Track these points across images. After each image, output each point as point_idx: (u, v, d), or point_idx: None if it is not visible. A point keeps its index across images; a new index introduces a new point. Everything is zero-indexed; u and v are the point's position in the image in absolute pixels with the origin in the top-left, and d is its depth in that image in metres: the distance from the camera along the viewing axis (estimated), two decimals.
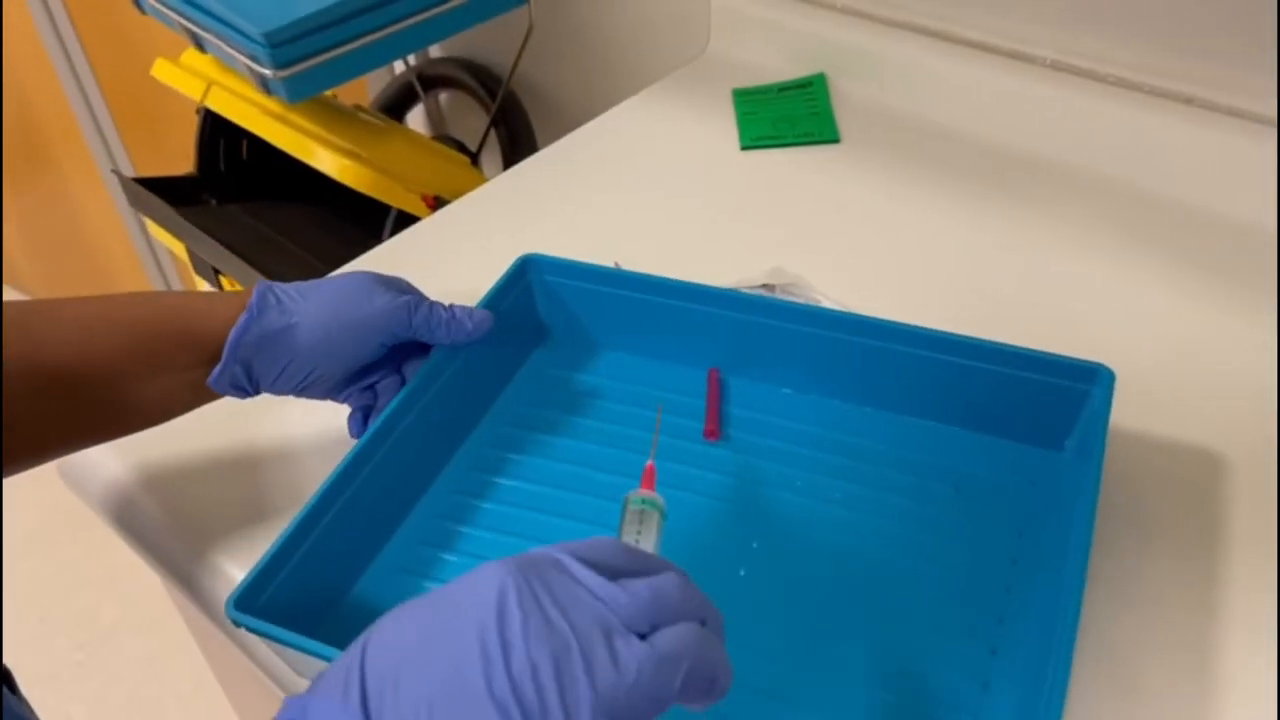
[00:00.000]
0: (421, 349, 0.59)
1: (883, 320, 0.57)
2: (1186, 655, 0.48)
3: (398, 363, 0.59)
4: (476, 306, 0.59)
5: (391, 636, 0.31)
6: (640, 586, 0.32)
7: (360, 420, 0.57)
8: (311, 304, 0.53)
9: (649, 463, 0.46)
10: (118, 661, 1.63)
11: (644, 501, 0.43)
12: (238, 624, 0.45)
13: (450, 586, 0.32)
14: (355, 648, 0.31)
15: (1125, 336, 0.66)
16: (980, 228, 0.76)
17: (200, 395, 0.53)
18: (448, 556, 0.54)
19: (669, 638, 0.31)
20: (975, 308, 0.69)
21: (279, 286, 0.54)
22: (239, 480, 0.59)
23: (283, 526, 0.49)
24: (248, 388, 0.54)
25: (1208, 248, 0.72)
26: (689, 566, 0.41)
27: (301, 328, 0.53)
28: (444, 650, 0.30)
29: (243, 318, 0.52)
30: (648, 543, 0.42)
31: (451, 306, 0.57)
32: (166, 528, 0.58)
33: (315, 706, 0.30)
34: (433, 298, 0.57)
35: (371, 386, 0.58)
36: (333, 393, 0.57)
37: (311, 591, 0.50)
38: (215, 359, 0.52)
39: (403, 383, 0.58)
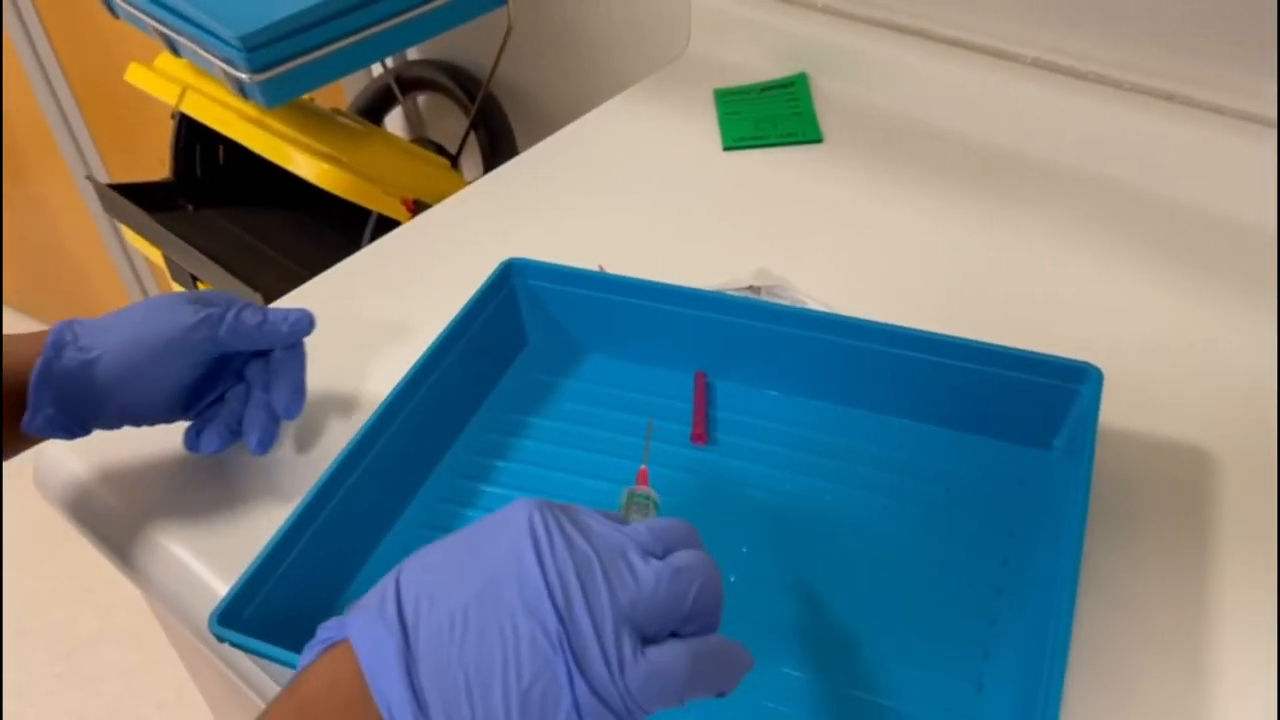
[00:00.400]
0: (260, 352, 0.58)
1: (869, 321, 0.57)
2: (1179, 654, 0.48)
3: (238, 369, 0.57)
4: (453, 320, 0.59)
5: (425, 561, 0.34)
6: (652, 522, 0.36)
7: (196, 435, 0.56)
8: (112, 335, 0.52)
9: (641, 467, 0.48)
10: (98, 674, 1.61)
11: (644, 496, 0.50)
12: (221, 639, 0.45)
13: (477, 523, 0.35)
14: (389, 576, 0.34)
15: (1112, 334, 0.66)
16: (965, 227, 0.76)
17: (24, 440, 0.52)
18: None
19: (681, 556, 0.35)
20: (961, 307, 0.68)
21: (79, 322, 0.53)
22: (217, 487, 0.58)
23: (263, 534, 0.48)
24: (73, 428, 0.52)
25: (1192, 244, 0.73)
26: None
27: (104, 361, 0.51)
28: (477, 567, 0.33)
29: (39, 361, 0.50)
30: None
31: (265, 310, 0.55)
32: (143, 538, 0.57)
33: (353, 621, 0.33)
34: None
35: (220, 398, 0.57)
36: (173, 415, 0.56)
37: (297, 603, 0.49)
38: (24, 404, 0.51)
39: (249, 388, 0.57)
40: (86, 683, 1.59)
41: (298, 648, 0.48)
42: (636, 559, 0.34)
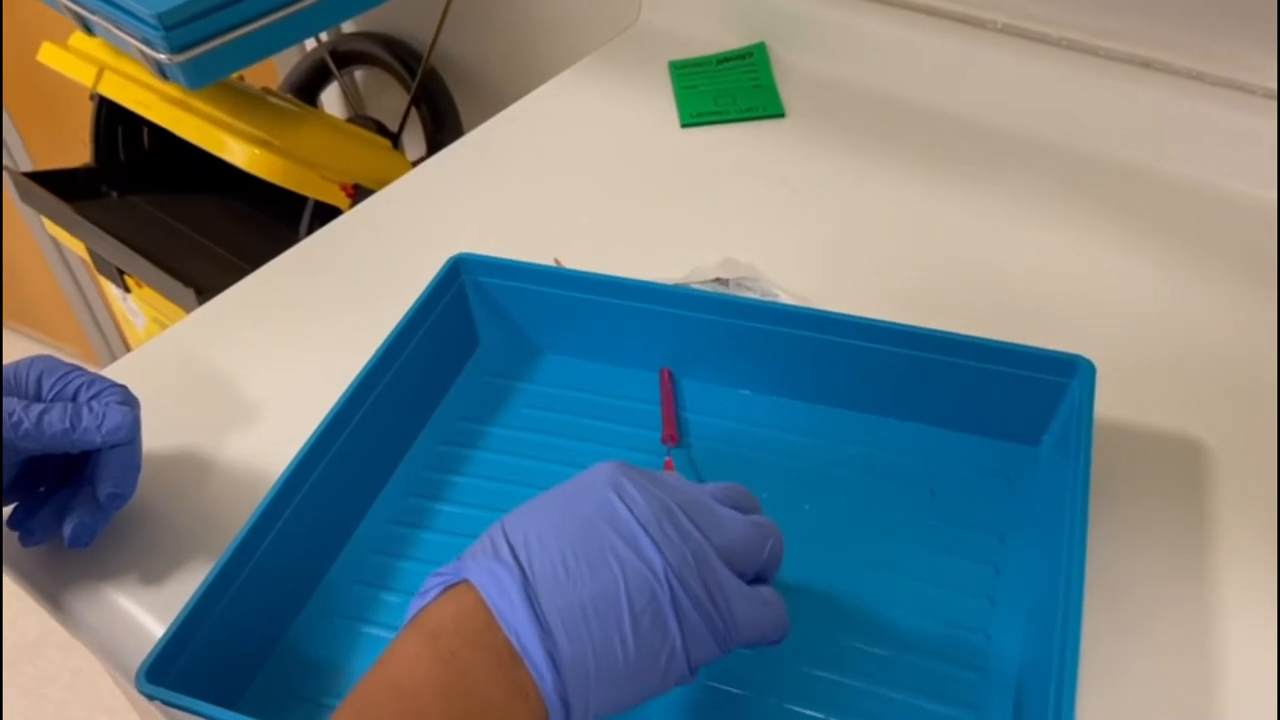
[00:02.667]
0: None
1: (844, 315, 0.54)
2: (1183, 652, 0.46)
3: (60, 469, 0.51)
4: (402, 320, 0.54)
5: (523, 517, 0.37)
6: (720, 484, 0.41)
7: (21, 522, 0.49)
8: None
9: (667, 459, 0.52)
10: (42, 677, 1.57)
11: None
12: (151, 698, 0.40)
13: (566, 484, 0.39)
14: (492, 530, 0.37)
15: (1097, 316, 0.63)
16: (938, 206, 0.73)
17: None
18: (388, 596, 0.49)
19: (758, 516, 0.40)
20: (939, 292, 0.65)
21: None
22: (154, 526, 0.53)
23: (200, 571, 0.44)
24: None
25: (1173, 216, 0.70)
26: None
27: None
28: (572, 518, 0.36)
29: None
30: None
31: (76, 412, 0.46)
32: (76, 583, 0.52)
33: (467, 566, 0.36)
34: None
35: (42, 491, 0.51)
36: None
37: (234, 650, 0.45)
38: None
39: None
40: (32, 687, 1.56)
41: (237, 700, 0.44)
42: (718, 507, 0.39)
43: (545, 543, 0.36)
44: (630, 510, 0.36)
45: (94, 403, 0.47)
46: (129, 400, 0.49)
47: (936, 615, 0.47)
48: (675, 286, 0.57)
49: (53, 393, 0.48)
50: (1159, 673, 0.46)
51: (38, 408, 0.46)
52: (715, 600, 0.36)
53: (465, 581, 0.35)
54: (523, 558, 0.35)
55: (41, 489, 0.51)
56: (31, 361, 0.49)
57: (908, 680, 0.45)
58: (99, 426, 0.46)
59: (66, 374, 0.49)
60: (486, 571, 0.35)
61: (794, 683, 0.45)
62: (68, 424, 0.46)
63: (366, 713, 0.33)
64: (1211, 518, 0.52)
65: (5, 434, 0.45)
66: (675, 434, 0.55)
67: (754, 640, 0.38)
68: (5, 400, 0.46)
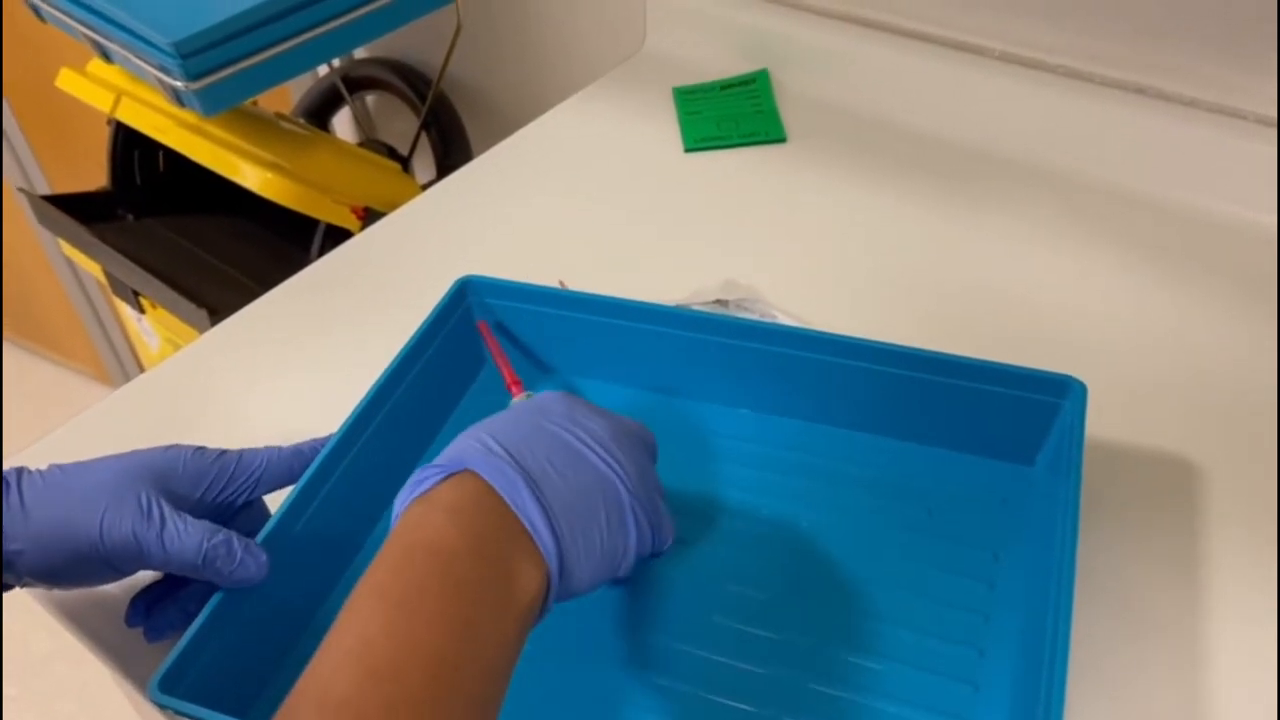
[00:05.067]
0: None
1: (843, 336, 0.55)
2: (1179, 673, 0.47)
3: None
4: (409, 342, 0.55)
5: (499, 427, 0.42)
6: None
7: (144, 614, 0.48)
8: (34, 525, 0.43)
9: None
10: (52, 692, 1.57)
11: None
12: (163, 707, 0.41)
13: (524, 406, 0.45)
14: (473, 436, 0.41)
15: (1093, 338, 0.64)
16: (937, 230, 0.74)
17: None
18: None
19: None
20: (936, 314, 0.66)
21: (24, 480, 0.45)
22: None
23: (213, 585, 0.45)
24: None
25: (1168, 241, 0.71)
26: (654, 605, 0.50)
27: (25, 558, 0.43)
28: (547, 430, 0.42)
29: None
30: None
31: (225, 542, 0.44)
32: (84, 591, 0.53)
33: (466, 460, 0.39)
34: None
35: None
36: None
37: (247, 661, 0.46)
38: None
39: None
40: (41, 702, 1.56)
41: (244, 710, 0.45)
42: (629, 423, 0.46)
43: (530, 447, 0.41)
44: (590, 428, 0.43)
45: (234, 543, 0.45)
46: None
47: (932, 630, 0.48)
48: (677, 308, 0.58)
49: (212, 494, 0.47)
50: (1152, 687, 0.46)
51: (175, 525, 0.44)
52: (655, 508, 0.44)
53: (468, 470, 0.39)
54: (516, 455, 0.40)
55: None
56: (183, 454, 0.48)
57: (903, 694, 0.46)
58: (231, 573, 0.44)
59: (223, 481, 0.48)
60: (489, 463, 0.39)
61: (792, 696, 0.46)
62: (199, 560, 0.44)
63: (405, 570, 0.36)
64: (1205, 536, 0.52)
65: (140, 546, 0.43)
66: (517, 381, 0.56)
67: (662, 544, 0.45)
68: (158, 501, 0.45)
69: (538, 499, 0.39)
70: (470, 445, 0.41)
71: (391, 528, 0.39)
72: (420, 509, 0.39)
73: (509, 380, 0.56)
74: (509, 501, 0.39)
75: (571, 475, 0.41)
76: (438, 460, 0.41)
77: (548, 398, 0.46)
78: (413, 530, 0.38)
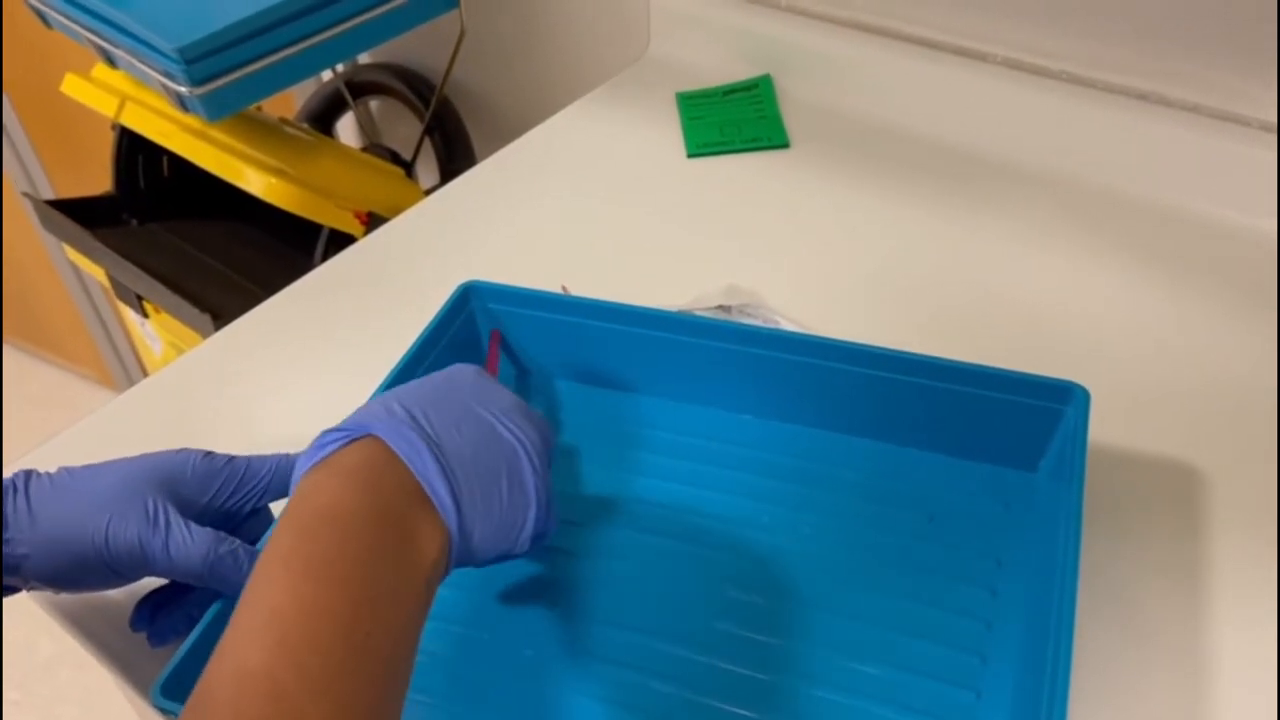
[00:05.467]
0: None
1: (845, 342, 0.55)
2: (1182, 680, 0.46)
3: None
4: (411, 348, 0.56)
5: (406, 394, 0.42)
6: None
7: (149, 619, 0.47)
8: (40, 529, 0.43)
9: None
10: (55, 697, 1.57)
11: None
12: (166, 712, 0.42)
13: (433, 376, 0.45)
14: (379, 401, 0.42)
15: (1095, 344, 0.64)
16: (939, 235, 0.74)
17: None
18: None
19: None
20: (939, 320, 0.66)
21: (34, 482, 0.45)
22: None
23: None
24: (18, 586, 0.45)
25: (1171, 247, 0.71)
26: (655, 610, 0.51)
27: (30, 562, 0.43)
28: (454, 399, 0.43)
29: None
30: None
31: (232, 549, 0.44)
32: (87, 595, 0.53)
33: (370, 425, 0.40)
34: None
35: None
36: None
37: None
38: None
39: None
40: (44, 706, 1.56)
41: None
42: (538, 415, 0.47)
43: (436, 410, 0.41)
44: (498, 401, 0.44)
45: (240, 553, 0.45)
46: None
47: (933, 637, 0.48)
48: (679, 314, 0.58)
49: (219, 500, 0.47)
50: (1155, 694, 0.46)
51: (181, 533, 0.44)
52: (548, 481, 0.44)
53: (371, 435, 0.39)
54: (420, 419, 0.40)
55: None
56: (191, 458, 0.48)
57: (904, 700, 0.46)
58: (237, 582, 0.44)
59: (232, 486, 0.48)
60: (391, 427, 0.39)
61: (792, 702, 0.46)
62: (205, 570, 0.44)
63: (305, 540, 0.35)
64: (1208, 542, 0.52)
65: (145, 553, 0.43)
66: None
67: (551, 528, 0.45)
68: (165, 507, 0.45)
69: (438, 460, 0.39)
70: (375, 409, 0.41)
71: (290, 492, 0.39)
72: (320, 474, 0.38)
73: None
74: (409, 463, 0.39)
75: (476, 440, 0.42)
76: (341, 424, 0.40)
77: (458, 369, 0.46)
78: (312, 496, 0.37)
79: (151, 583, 0.49)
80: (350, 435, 0.39)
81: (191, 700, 0.32)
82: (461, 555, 0.40)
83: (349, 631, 0.33)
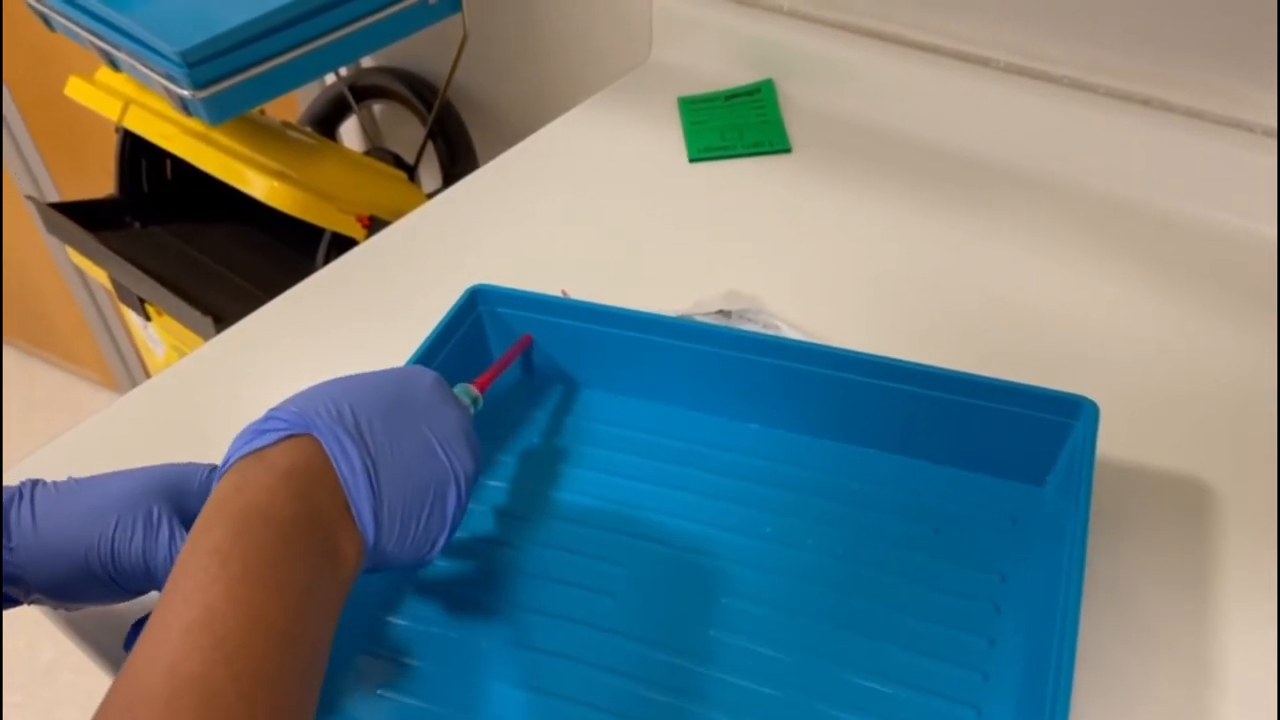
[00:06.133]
0: None
1: (851, 351, 0.54)
2: (1188, 695, 0.46)
3: None
4: (417, 351, 0.55)
5: (359, 393, 0.42)
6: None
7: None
8: (43, 539, 0.43)
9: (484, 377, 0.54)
10: (56, 701, 1.58)
11: (466, 391, 0.52)
12: None
13: (389, 375, 0.45)
14: (330, 393, 0.42)
15: (1102, 353, 0.63)
16: (941, 242, 0.74)
17: None
18: (394, 619, 0.50)
19: None
20: (942, 328, 0.66)
21: (38, 491, 0.44)
22: None
23: None
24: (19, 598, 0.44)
25: (1176, 253, 0.71)
26: (656, 619, 0.50)
27: (34, 569, 0.43)
28: (403, 411, 0.43)
29: None
30: None
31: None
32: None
33: (314, 420, 0.40)
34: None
35: None
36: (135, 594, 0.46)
37: None
38: None
39: None
40: (45, 709, 1.57)
41: None
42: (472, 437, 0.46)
43: (383, 422, 0.41)
44: (445, 423, 0.44)
45: None
46: None
47: (934, 652, 0.48)
48: (685, 320, 0.58)
49: None
50: (1161, 710, 0.46)
51: (176, 534, 0.44)
52: (465, 508, 0.44)
53: (311, 436, 0.40)
54: (365, 431, 0.41)
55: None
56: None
57: (902, 716, 0.45)
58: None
59: None
60: (334, 436, 0.40)
61: (791, 714, 0.46)
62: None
63: (244, 537, 0.35)
64: (1215, 556, 0.52)
65: (145, 561, 0.43)
66: (486, 384, 0.54)
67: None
68: (163, 512, 0.44)
69: (370, 481, 0.40)
70: (323, 406, 0.41)
71: (221, 473, 0.39)
72: (255, 468, 0.38)
73: (486, 378, 0.54)
74: (341, 479, 0.39)
75: (411, 459, 0.42)
76: (283, 410, 0.41)
77: (416, 373, 0.46)
78: (249, 491, 0.37)
79: (153, 599, 0.49)
80: (290, 430, 0.40)
81: (117, 695, 0.32)
82: (371, 566, 0.41)
83: (281, 638, 0.34)
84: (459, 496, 0.43)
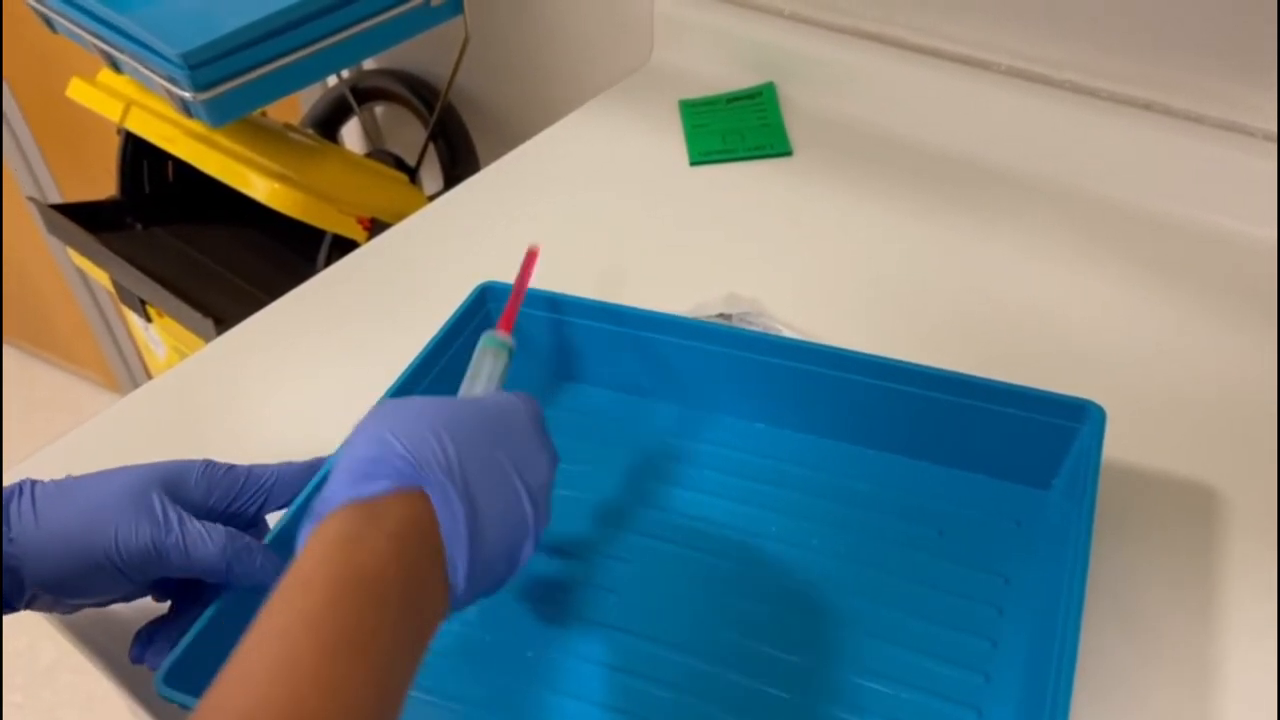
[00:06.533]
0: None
1: (860, 353, 0.54)
2: (1192, 698, 0.46)
3: None
4: (428, 346, 0.55)
5: (467, 434, 0.40)
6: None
7: (144, 646, 0.46)
8: (45, 531, 0.43)
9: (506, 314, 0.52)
10: (57, 702, 1.58)
11: (499, 341, 0.51)
12: (170, 700, 0.41)
13: (491, 409, 0.43)
14: (443, 437, 0.39)
15: (1103, 355, 0.64)
16: (942, 245, 0.74)
17: None
18: None
19: None
20: (942, 330, 0.66)
21: (37, 489, 0.44)
22: None
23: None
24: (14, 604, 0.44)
25: (1176, 257, 0.71)
26: (661, 617, 0.50)
27: (36, 562, 0.42)
28: (502, 459, 0.41)
29: None
30: (481, 384, 0.50)
31: (246, 547, 0.45)
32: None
33: (425, 474, 0.38)
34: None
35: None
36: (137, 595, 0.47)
37: None
38: None
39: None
40: (46, 711, 1.57)
41: None
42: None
43: (483, 471, 0.40)
44: (537, 475, 0.42)
45: (254, 547, 0.45)
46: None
47: (937, 653, 0.48)
48: (694, 320, 0.58)
49: (221, 506, 0.47)
50: (1164, 714, 0.46)
51: (195, 528, 0.44)
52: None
53: (422, 491, 0.38)
54: (470, 481, 0.39)
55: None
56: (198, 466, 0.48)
57: (907, 717, 0.45)
58: (250, 575, 0.45)
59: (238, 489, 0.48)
60: (444, 493, 0.38)
61: (794, 714, 0.46)
62: (223, 563, 0.44)
63: (343, 603, 0.34)
64: (1218, 559, 0.52)
65: (156, 551, 0.43)
66: (509, 323, 0.53)
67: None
68: (167, 507, 0.44)
69: (470, 546, 0.38)
70: (430, 451, 0.39)
71: (321, 512, 0.37)
72: (366, 526, 0.36)
73: (508, 313, 0.53)
74: (445, 541, 0.38)
75: (503, 512, 0.40)
76: (393, 451, 0.38)
77: (517, 406, 0.44)
78: (355, 553, 0.35)
79: (148, 610, 0.49)
80: (402, 484, 0.38)
81: None
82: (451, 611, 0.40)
83: (365, 711, 0.33)
84: (531, 549, 0.42)
